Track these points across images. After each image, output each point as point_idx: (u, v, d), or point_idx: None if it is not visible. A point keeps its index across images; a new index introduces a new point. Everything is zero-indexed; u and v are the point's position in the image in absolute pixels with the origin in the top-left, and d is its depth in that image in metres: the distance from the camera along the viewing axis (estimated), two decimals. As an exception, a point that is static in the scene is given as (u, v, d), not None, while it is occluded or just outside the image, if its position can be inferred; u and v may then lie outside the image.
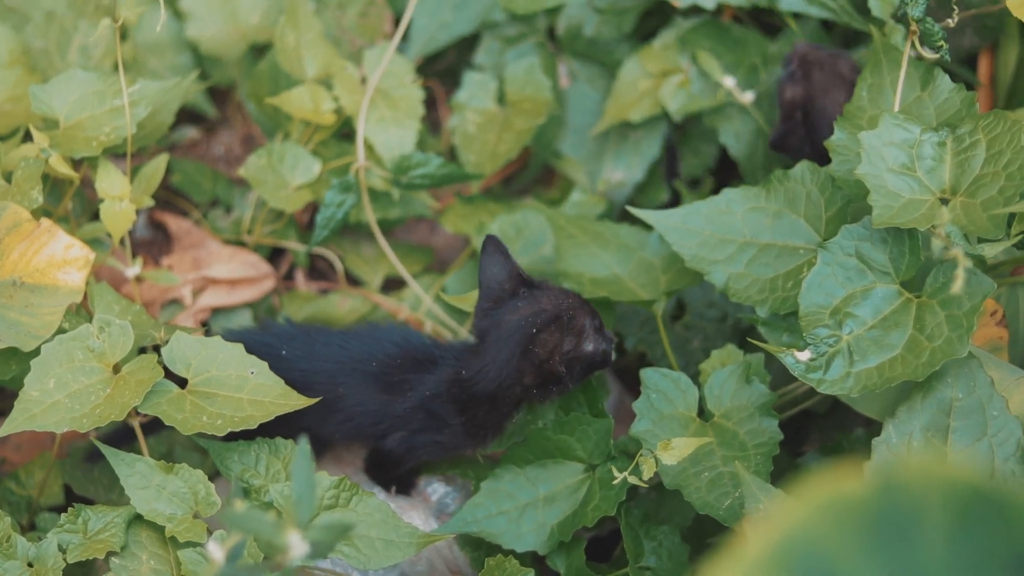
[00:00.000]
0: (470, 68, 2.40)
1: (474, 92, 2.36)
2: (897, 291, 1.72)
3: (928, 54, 1.86)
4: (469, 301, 1.99)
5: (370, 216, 2.19)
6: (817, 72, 2.12)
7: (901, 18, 1.90)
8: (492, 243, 1.84)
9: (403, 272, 2.22)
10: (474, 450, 1.95)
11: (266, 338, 1.94)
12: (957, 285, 1.59)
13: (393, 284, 2.30)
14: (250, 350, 1.80)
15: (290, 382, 1.79)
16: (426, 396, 1.87)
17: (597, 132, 2.35)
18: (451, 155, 2.39)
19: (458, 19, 2.39)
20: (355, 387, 1.89)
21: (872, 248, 1.74)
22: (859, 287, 1.73)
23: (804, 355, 1.71)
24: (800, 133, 2.14)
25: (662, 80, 2.30)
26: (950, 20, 1.92)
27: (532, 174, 2.42)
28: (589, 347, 1.83)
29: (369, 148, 2.21)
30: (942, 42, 1.86)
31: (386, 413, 1.88)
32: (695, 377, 1.91)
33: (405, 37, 2.38)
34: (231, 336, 1.89)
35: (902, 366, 1.67)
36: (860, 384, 1.68)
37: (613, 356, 1.87)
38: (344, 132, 2.30)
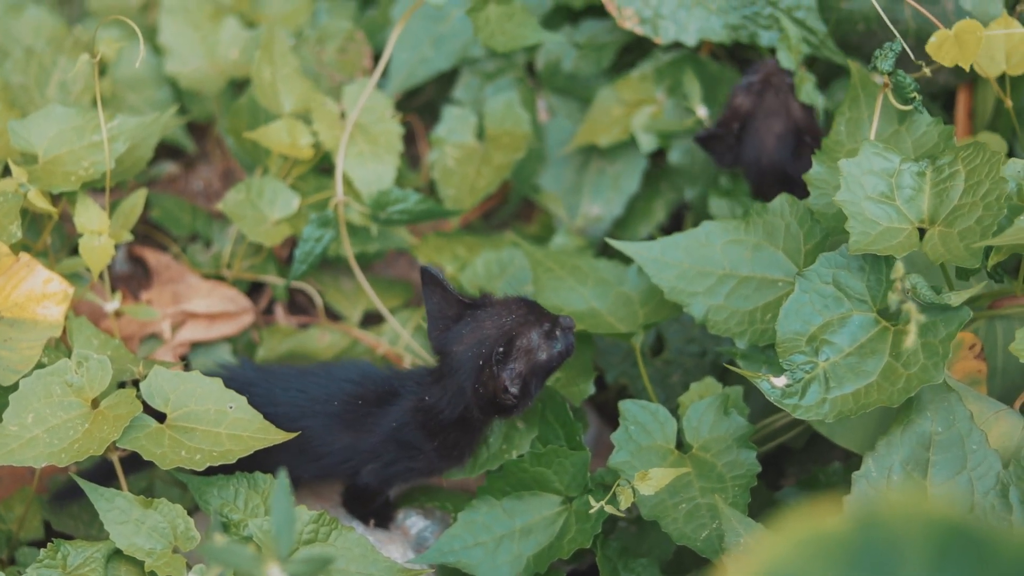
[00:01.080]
0: (449, 103, 2.41)
1: (453, 127, 2.36)
2: (874, 319, 1.73)
3: (901, 105, 1.87)
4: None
5: (348, 252, 2.19)
6: (771, 96, 2.14)
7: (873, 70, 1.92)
8: (426, 275, 1.84)
9: (381, 307, 2.21)
10: (452, 470, 1.94)
11: (228, 384, 1.94)
12: (910, 340, 1.62)
13: (373, 318, 2.30)
14: None
15: None
16: (393, 428, 1.87)
17: (566, 152, 2.36)
18: (431, 189, 2.39)
19: (438, 55, 2.40)
20: (319, 429, 1.89)
21: (849, 276, 1.74)
22: (836, 315, 1.74)
23: (780, 381, 1.72)
24: (729, 142, 2.16)
25: (635, 109, 2.32)
26: (926, 69, 1.94)
27: (511, 208, 2.43)
28: (543, 356, 1.82)
29: (348, 183, 2.21)
30: (914, 93, 1.87)
31: (354, 450, 1.88)
32: (675, 410, 1.91)
33: (385, 72, 2.39)
34: None
35: (877, 392, 1.68)
36: (835, 410, 1.69)
37: (572, 342, 1.85)
38: (323, 167, 2.30)
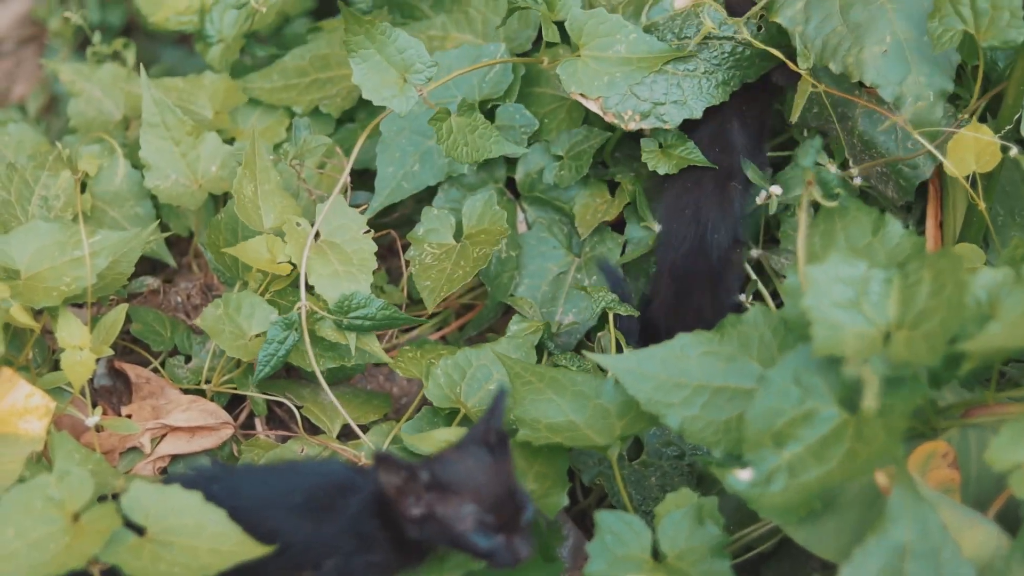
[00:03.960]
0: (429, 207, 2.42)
1: (432, 227, 2.39)
2: (836, 412, 1.75)
3: (825, 201, 1.90)
4: (428, 441, 2.01)
5: (314, 365, 2.20)
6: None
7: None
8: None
9: (353, 425, 2.22)
10: (413, 570, 1.94)
11: (194, 479, 1.95)
12: (869, 399, 1.66)
13: (351, 430, 2.31)
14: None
15: None
16: (352, 516, 1.87)
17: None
18: (411, 303, 2.40)
19: (424, 170, 2.42)
20: (281, 520, 1.89)
21: (811, 375, 1.77)
22: (800, 412, 1.76)
23: (746, 475, 1.74)
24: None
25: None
26: (856, 179, 1.99)
27: (488, 318, 2.44)
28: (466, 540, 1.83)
29: (323, 302, 2.22)
30: (838, 190, 1.90)
31: (315, 542, 1.88)
32: (651, 519, 1.92)
33: (371, 187, 2.41)
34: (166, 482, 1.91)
35: (839, 474, 1.70)
36: (800, 496, 1.71)
37: (520, 556, 1.82)
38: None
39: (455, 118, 2.28)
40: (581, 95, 2.28)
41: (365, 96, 2.24)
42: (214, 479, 1.94)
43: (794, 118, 2.22)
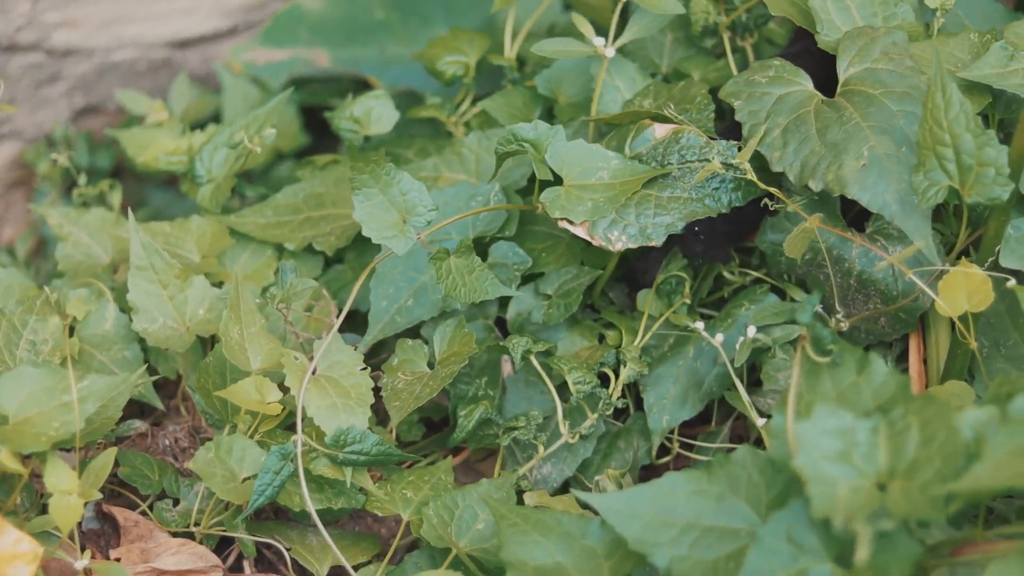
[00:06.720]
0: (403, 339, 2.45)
1: (407, 356, 2.41)
2: (830, 569, 1.75)
3: (819, 357, 1.93)
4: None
5: (307, 502, 2.20)
6: None
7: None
8: None
9: (347, 566, 2.22)
10: None
11: None
12: (861, 554, 1.66)
13: (340, 573, 2.30)
14: None
15: None
16: None
17: None
18: (397, 443, 2.41)
19: (418, 304, 2.44)
20: None
21: (804, 532, 1.77)
22: (793, 570, 1.76)
23: None
24: None
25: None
26: (842, 324, 2.01)
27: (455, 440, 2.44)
28: None
29: (319, 436, 2.23)
30: (831, 346, 1.93)
31: None
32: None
33: (358, 328, 2.43)
34: None
35: None
36: None
37: None
38: (290, 423, 2.32)
39: (454, 259, 2.30)
40: (567, 221, 2.30)
41: (365, 233, 2.26)
42: None
43: (792, 254, 2.23)
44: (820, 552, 1.77)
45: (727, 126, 2.38)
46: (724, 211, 2.30)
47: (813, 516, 1.73)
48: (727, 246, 2.45)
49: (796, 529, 1.78)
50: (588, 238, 2.31)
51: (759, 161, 2.25)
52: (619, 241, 2.30)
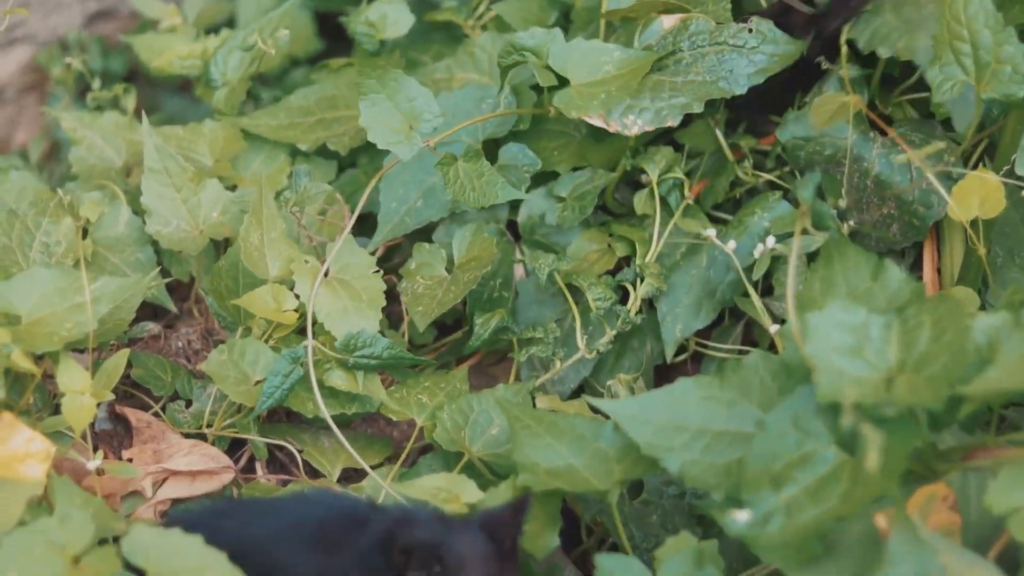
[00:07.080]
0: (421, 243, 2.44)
1: (424, 260, 2.41)
2: (835, 452, 1.75)
3: (819, 235, 1.91)
4: (419, 488, 2.02)
5: (320, 404, 2.20)
6: None
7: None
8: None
9: (364, 465, 2.22)
10: None
11: (202, 514, 1.96)
12: (871, 462, 1.66)
13: (351, 475, 2.31)
14: (189, 527, 1.80)
15: (228, 552, 1.79)
16: (363, 552, 1.86)
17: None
18: (411, 331, 2.42)
19: (427, 205, 2.43)
20: (291, 552, 1.89)
21: (810, 418, 1.77)
22: (798, 454, 1.76)
23: (742, 515, 1.74)
24: None
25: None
26: (850, 223, 1.99)
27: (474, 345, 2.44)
28: None
29: (330, 339, 2.23)
30: (832, 222, 1.91)
31: (324, 573, 1.87)
32: (651, 561, 1.91)
33: (369, 232, 2.42)
34: (169, 520, 1.94)
35: (836, 514, 1.70)
36: (797, 536, 1.71)
37: None
38: (304, 327, 2.32)
39: (461, 163, 2.29)
40: (584, 117, 2.30)
41: (371, 139, 2.25)
42: (223, 513, 1.95)
43: (818, 122, 2.21)
44: (826, 437, 1.77)
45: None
46: (741, 92, 2.30)
47: (819, 400, 1.74)
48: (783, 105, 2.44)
49: (803, 415, 1.78)
50: (604, 126, 2.30)
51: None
52: (635, 125, 2.29)
